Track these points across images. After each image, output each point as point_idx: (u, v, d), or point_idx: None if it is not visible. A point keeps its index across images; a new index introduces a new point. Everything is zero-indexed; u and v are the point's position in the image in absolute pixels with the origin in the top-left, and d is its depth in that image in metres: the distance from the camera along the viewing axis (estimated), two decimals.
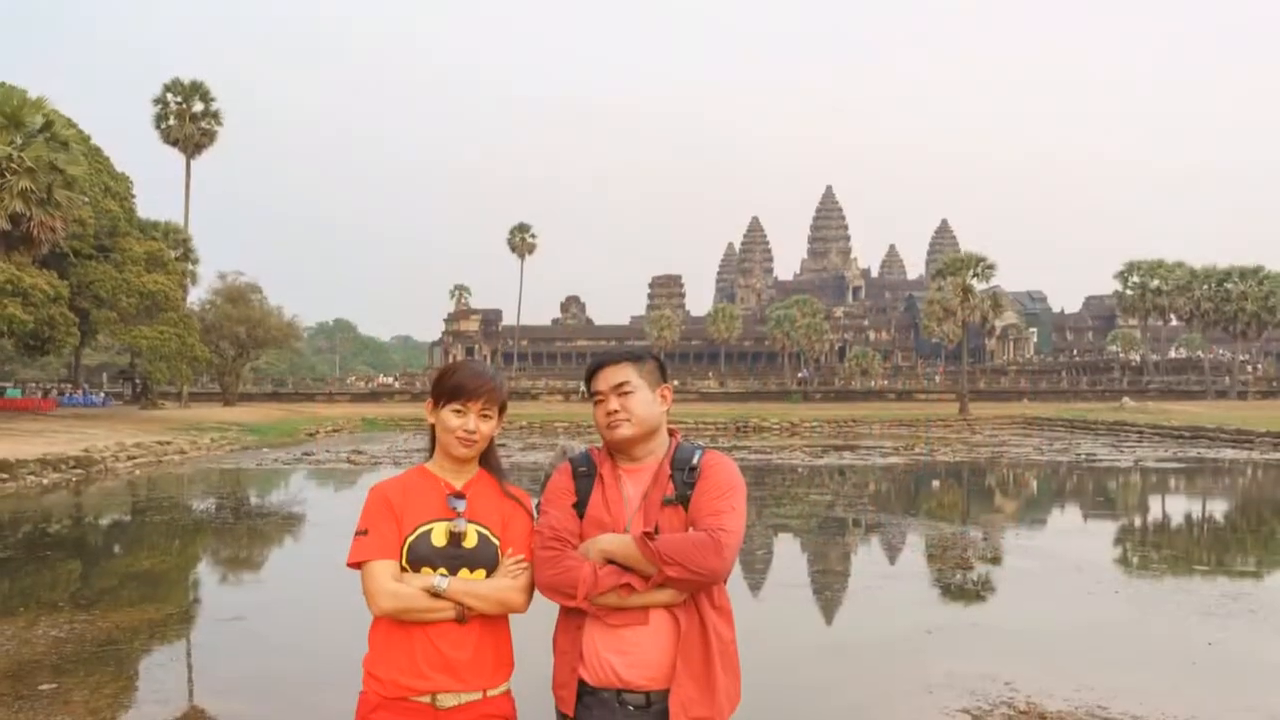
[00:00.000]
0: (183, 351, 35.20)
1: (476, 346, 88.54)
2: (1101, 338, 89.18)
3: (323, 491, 17.99)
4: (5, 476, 16.49)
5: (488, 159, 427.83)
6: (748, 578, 8.82)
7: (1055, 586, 8.44)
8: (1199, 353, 74.70)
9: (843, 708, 5.16)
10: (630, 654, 2.08)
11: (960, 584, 8.63)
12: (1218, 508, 15.33)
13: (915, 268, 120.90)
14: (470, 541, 2.13)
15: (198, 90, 48.15)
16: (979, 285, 51.38)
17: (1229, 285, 60.64)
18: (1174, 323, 73.00)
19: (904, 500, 16.19)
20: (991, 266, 50.46)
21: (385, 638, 2.11)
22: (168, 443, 24.43)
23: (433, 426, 2.25)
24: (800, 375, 74.05)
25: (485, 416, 2.19)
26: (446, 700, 2.07)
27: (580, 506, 2.18)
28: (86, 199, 30.50)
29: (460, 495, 2.17)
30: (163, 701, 5.10)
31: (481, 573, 2.13)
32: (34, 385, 54.69)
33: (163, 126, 47.95)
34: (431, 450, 2.28)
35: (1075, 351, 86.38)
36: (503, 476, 2.27)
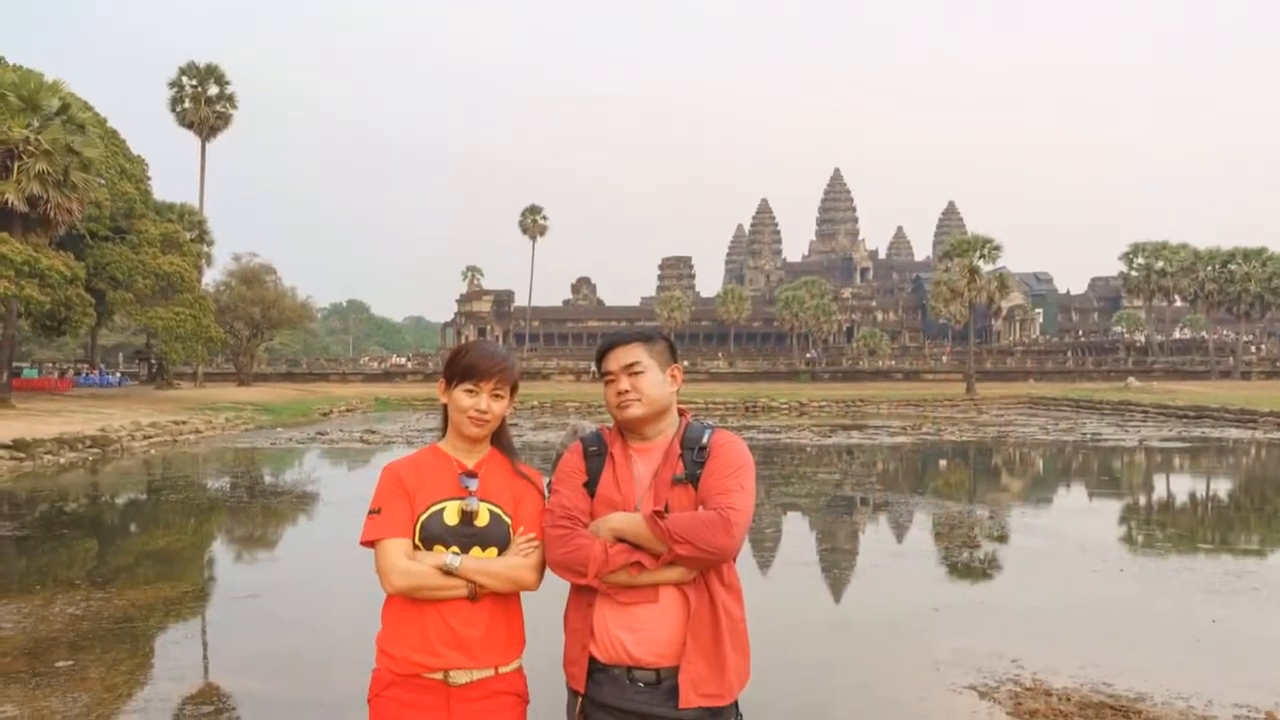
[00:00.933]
0: (198, 332, 35.33)
1: (488, 327, 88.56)
2: (1107, 319, 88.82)
3: (336, 470, 18.09)
4: (22, 455, 16.65)
5: (499, 146, 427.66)
6: (757, 556, 8.87)
7: (1061, 565, 8.47)
8: (1203, 333, 74.29)
9: (850, 685, 5.20)
10: (641, 631, 2.10)
11: (967, 562, 8.66)
12: (1221, 487, 15.28)
13: (923, 249, 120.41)
14: (482, 520, 2.15)
15: (213, 74, 48.09)
16: (985, 266, 51.04)
17: (1233, 267, 60.21)
18: (1178, 304, 72.57)
19: (911, 479, 16.21)
20: (998, 248, 50.12)
21: (398, 615, 2.14)
22: (183, 422, 24.58)
23: (445, 406, 2.26)
24: (808, 356, 73.93)
25: (497, 396, 2.21)
26: (459, 677, 2.10)
27: (591, 485, 2.20)
28: (103, 181, 30.57)
29: (472, 474, 2.19)
30: (178, 679, 5.16)
31: (493, 551, 2.15)
32: (50, 365, 54.99)
33: (178, 109, 47.94)
34: (444, 430, 2.30)
35: (1081, 332, 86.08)
36: (514, 456, 2.29)
